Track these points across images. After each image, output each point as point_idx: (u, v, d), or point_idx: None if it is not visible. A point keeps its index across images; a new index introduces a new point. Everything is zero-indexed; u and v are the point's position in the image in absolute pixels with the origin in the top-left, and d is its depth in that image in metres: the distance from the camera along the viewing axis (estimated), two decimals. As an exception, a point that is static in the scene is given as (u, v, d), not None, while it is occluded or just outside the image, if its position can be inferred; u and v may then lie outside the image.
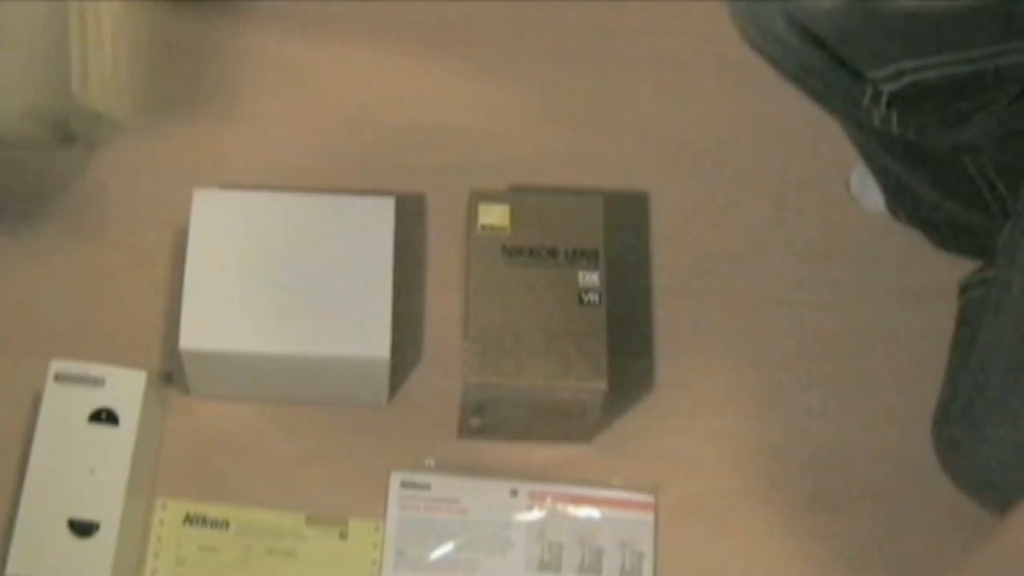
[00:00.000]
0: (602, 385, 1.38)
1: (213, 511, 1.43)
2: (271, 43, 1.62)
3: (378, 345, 1.40)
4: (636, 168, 1.59)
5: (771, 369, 1.51)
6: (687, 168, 1.59)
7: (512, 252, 1.43)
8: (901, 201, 1.54)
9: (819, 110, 1.57)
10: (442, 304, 1.51)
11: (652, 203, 1.57)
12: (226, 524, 1.43)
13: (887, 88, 1.26)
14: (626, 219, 1.56)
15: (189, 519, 1.43)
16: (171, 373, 1.47)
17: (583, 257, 1.42)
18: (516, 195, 1.47)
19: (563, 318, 1.40)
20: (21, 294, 1.51)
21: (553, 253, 1.43)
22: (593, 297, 1.41)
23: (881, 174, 1.51)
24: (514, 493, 1.45)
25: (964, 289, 1.48)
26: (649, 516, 1.45)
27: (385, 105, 1.60)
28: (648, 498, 1.45)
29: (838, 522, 1.47)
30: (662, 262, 1.55)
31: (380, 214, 1.44)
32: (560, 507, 1.44)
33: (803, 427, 1.50)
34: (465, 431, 1.46)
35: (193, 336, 1.39)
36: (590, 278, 1.42)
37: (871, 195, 1.57)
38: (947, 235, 1.53)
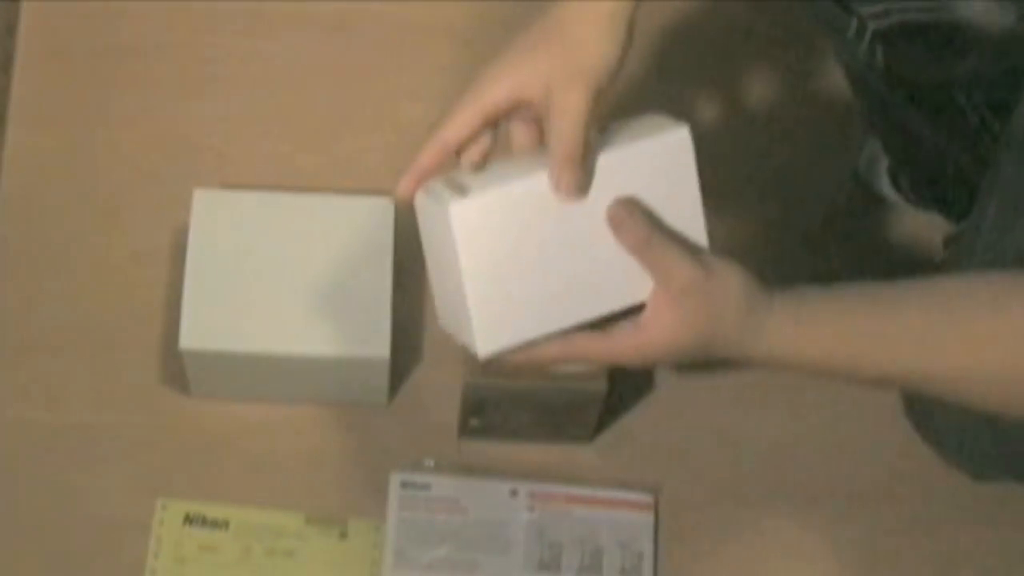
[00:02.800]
0: (602, 385, 1.38)
1: (213, 511, 1.43)
2: (271, 43, 1.62)
3: (378, 345, 1.40)
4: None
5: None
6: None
7: (512, 252, 1.42)
8: (904, 160, 1.52)
9: (822, 99, 1.58)
10: (442, 304, 1.51)
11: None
12: (226, 524, 1.43)
13: (872, 25, 1.26)
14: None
15: (189, 519, 1.43)
16: (172, 373, 1.48)
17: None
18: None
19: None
20: (21, 294, 1.51)
21: (553, 253, 1.42)
22: (593, 297, 1.41)
23: (882, 120, 1.50)
24: (514, 493, 1.45)
25: (946, 243, 1.49)
26: (649, 516, 1.45)
27: (385, 105, 1.60)
28: (648, 498, 1.45)
29: (838, 522, 1.47)
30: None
31: (380, 214, 1.44)
32: (560, 507, 1.44)
33: (803, 427, 1.50)
34: (465, 431, 1.46)
35: (193, 336, 1.39)
36: (590, 278, 1.41)
37: (877, 181, 1.57)
38: (953, 202, 1.52)
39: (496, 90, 1.07)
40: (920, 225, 1.57)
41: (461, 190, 1.06)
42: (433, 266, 1.11)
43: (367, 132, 1.59)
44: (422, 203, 1.09)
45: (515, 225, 1.05)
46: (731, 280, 1.05)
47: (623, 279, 1.06)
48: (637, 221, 1.04)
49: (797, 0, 1.31)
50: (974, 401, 1.07)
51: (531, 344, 1.07)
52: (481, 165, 1.09)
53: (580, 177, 1.04)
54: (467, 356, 1.38)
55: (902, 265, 1.56)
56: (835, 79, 1.52)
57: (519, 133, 1.10)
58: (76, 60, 1.61)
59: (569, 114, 1.04)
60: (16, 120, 1.58)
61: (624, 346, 1.06)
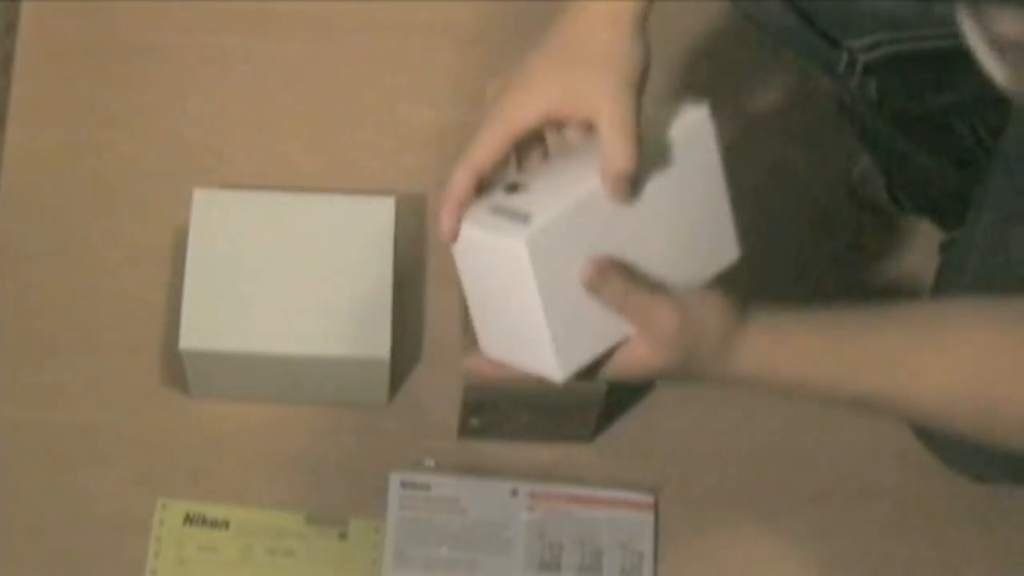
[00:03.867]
0: (602, 385, 1.38)
1: (213, 511, 1.43)
2: (271, 43, 1.62)
3: (378, 345, 1.40)
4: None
5: (771, 369, 1.51)
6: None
7: (512, 252, 1.42)
8: (900, 181, 1.53)
9: (819, 106, 1.57)
10: (442, 304, 1.51)
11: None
12: (226, 524, 1.43)
13: (863, 57, 1.26)
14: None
15: (189, 519, 1.43)
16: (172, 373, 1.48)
17: (583, 257, 1.42)
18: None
19: (563, 318, 1.40)
20: (21, 294, 1.51)
21: (553, 253, 1.42)
22: (593, 297, 1.41)
23: (875, 147, 1.50)
24: (514, 493, 1.45)
25: (942, 248, 1.48)
26: (649, 516, 1.45)
27: (385, 105, 1.60)
28: (648, 498, 1.45)
29: (839, 523, 1.47)
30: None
31: (380, 214, 1.44)
32: (560, 507, 1.44)
33: (803, 427, 1.50)
34: (465, 431, 1.46)
35: (193, 336, 1.39)
36: (590, 278, 1.41)
37: (872, 191, 1.57)
38: (948, 212, 1.53)
39: (527, 113, 1.03)
40: (913, 232, 1.57)
41: (519, 218, 1.03)
42: (480, 296, 1.07)
43: (367, 132, 1.59)
44: (472, 236, 1.04)
45: (576, 243, 1.03)
46: (707, 316, 1.05)
47: (671, 274, 1.06)
48: (612, 281, 1.03)
49: (785, 40, 1.31)
50: (954, 427, 1.06)
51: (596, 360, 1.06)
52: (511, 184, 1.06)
53: (634, 185, 1.03)
54: (467, 356, 1.38)
55: (895, 271, 1.56)
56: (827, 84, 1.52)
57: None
58: (76, 60, 1.61)
59: (622, 126, 1.01)
60: (16, 120, 1.58)
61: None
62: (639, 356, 1.05)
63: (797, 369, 1.07)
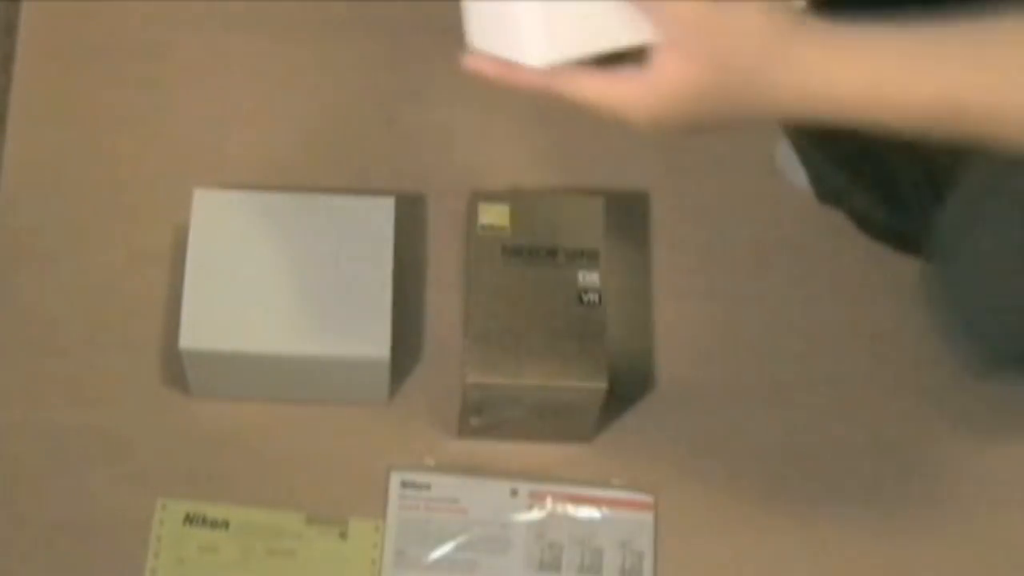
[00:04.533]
0: (602, 385, 1.38)
1: (213, 511, 1.44)
2: (271, 43, 1.62)
3: (378, 345, 1.40)
4: (636, 168, 1.59)
5: (771, 369, 1.51)
6: (687, 167, 1.59)
7: (512, 252, 1.43)
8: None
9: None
10: (442, 304, 1.52)
11: (652, 203, 1.57)
12: (226, 524, 1.43)
13: None
14: (626, 219, 1.56)
15: (189, 519, 1.43)
16: (172, 373, 1.48)
17: (583, 257, 1.43)
18: (516, 195, 1.47)
19: (563, 318, 1.40)
20: (22, 294, 1.51)
21: (553, 253, 1.43)
22: (593, 297, 1.41)
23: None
24: (514, 493, 1.45)
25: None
26: (649, 516, 1.45)
27: (385, 105, 1.60)
28: (648, 498, 1.46)
29: (838, 522, 1.47)
30: (662, 262, 1.55)
31: (380, 214, 1.44)
32: (560, 507, 1.45)
33: (803, 427, 1.50)
34: (465, 431, 1.46)
35: (193, 336, 1.39)
36: (590, 278, 1.42)
37: (792, 172, 1.53)
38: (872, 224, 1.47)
39: None
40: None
41: None
42: None
43: (367, 132, 1.59)
44: None
45: None
46: (748, 16, 0.90)
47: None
48: None
49: None
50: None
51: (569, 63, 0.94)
52: None
53: None
54: (467, 356, 1.38)
55: (900, 275, 1.56)
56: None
57: None
58: (76, 60, 1.61)
59: None
60: (16, 120, 1.58)
61: (628, 88, 0.92)
62: (662, 73, 0.91)
63: (865, 74, 0.91)
